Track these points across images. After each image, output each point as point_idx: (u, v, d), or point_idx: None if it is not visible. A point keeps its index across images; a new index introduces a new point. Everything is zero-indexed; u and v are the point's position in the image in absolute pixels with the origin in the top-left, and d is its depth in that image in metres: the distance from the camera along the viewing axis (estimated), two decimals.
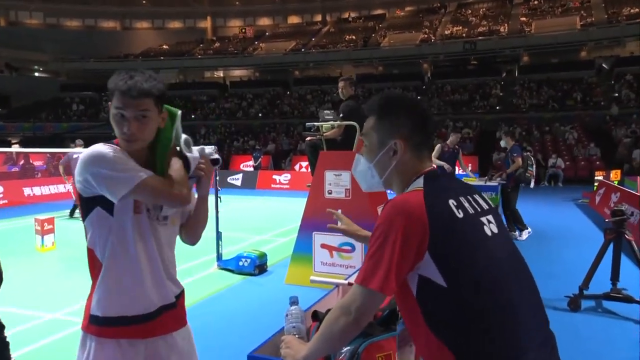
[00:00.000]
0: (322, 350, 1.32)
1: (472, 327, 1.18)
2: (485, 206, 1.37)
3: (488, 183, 7.50)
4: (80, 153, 9.63)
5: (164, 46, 41.00)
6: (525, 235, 7.67)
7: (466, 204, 1.29)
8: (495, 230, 1.31)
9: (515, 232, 7.73)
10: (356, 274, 2.54)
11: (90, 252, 1.63)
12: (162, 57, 37.75)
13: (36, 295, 5.11)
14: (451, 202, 1.26)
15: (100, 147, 1.55)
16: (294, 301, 1.62)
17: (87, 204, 1.59)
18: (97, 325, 1.61)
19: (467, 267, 1.20)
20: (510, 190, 7.58)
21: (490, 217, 1.34)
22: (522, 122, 22.81)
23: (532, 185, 7.60)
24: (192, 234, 1.83)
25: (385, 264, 1.20)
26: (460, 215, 1.25)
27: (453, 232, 1.21)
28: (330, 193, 5.11)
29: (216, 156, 1.77)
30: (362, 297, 1.22)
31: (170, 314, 1.69)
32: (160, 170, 1.62)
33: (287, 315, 1.58)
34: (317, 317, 1.74)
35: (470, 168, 16.93)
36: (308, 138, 5.61)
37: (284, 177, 17.33)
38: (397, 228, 1.20)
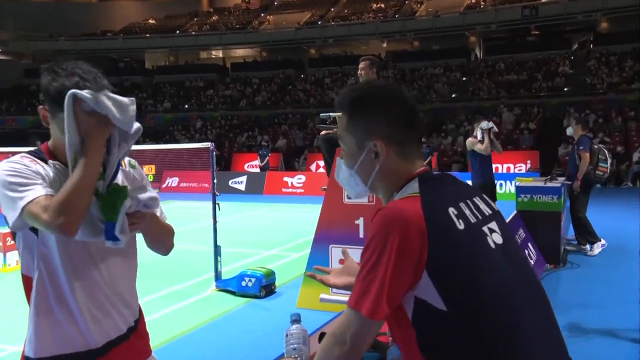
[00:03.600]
0: None
1: (472, 356, 1.25)
2: (488, 211, 1.43)
3: (548, 184, 7.50)
4: None
5: (150, 21, 41.63)
6: (597, 249, 7.64)
7: (467, 212, 1.34)
8: (500, 240, 1.37)
9: (585, 245, 7.72)
10: None
11: (25, 280, 1.74)
12: (147, 35, 38.33)
13: (4, 325, 5.34)
14: (451, 210, 1.31)
15: (8, 161, 1.66)
16: (295, 319, 1.74)
17: None
18: None
19: (469, 289, 1.25)
20: (578, 193, 7.56)
21: (493, 225, 1.39)
22: (597, 107, 22.53)
23: (607, 185, 7.57)
24: (156, 247, 1.95)
25: (378, 287, 1.24)
26: (461, 226, 1.29)
27: (454, 249, 1.26)
28: (349, 197, 5.22)
29: (147, 195, 1.68)
30: (356, 323, 1.27)
31: (121, 347, 1.80)
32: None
33: (287, 335, 1.69)
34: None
35: (529, 165, 16.87)
36: (323, 132, 5.73)
37: (297, 180, 17.54)
38: (391, 243, 1.24)
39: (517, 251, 1.44)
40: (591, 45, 30.31)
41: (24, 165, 1.65)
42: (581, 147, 7.54)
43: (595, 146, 7.70)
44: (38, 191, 1.59)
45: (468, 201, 1.39)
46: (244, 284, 5.98)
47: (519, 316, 1.29)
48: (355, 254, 4.89)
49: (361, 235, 5.11)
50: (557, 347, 1.37)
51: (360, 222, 5.15)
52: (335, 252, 5.29)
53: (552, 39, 31.57)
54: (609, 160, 7.57)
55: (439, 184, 1.41)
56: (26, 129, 30.61)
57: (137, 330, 1.89)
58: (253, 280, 5.96)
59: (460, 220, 1.30)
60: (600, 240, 7.68)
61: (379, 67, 5.42)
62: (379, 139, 1.40)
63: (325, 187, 5.52)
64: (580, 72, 26.91)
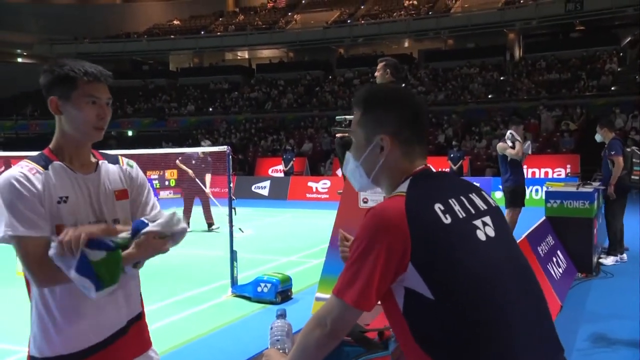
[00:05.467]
0: None
1: (462, 344, 1.37)
2: (483, 206, 1.57)
3: (581, 189, 7.48)
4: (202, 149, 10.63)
5: (175, 22, 42.45)
6: (611, 260, 7.60)
7: (457, 207, 1.49)
8: (492, 233, 1.51)
9: (623, 254, 7.71)
10: None
11: (27, 280, 1.95)
12: (172, 36, 39.11)
13: (17, 327, 5.62)
14: (437, 206, 1.45)
15: (11, 174, 1.85)
16: (280, 314, 1.94)
17: None
18: None
19: (455, 278, 1.39)
20: (614, 199, 7.52)
21: (487, 219, 1.53)
22: None
23: None
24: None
25: (364, 278, 1.41)
26: (448, 220, 1.44)
27: (438, 241, 1.41)
28: (365, 202, 5.36)
29: (179, 228, 1.92)
30: (338, 309, 1.45)
31: (121, 340, 2.00)
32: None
33: (271, 328, 1.88)
34: None
35: (569, 169, 16.71)
36: (339, 135, 5.88)
37: (322, 185, 17.73)
38: (377, 240, 1.41)
39: (511, 244, 1.57)
40: None
41: (27, 183, 1.84)
42: (613, 152, 7.50)
43: (628, 149, 7.66)
44: (36, 231, 1.81)
45: (462, 197, 1.54)
46: (259, 289, 6.16)
47: (508, 307, 1.41)
48: None
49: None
50: (547, 339, 1.49)
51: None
52: None
53: (599, 34, 31.07)
54: None
55: (428, 182, 1.56)
56: (50, 133, 31.47)
57: (137, 323, 2.08)
58: (269, 286, 6.13)
59: (447, 215, 1.45)
60: (621, 253, 7.66)
61: (394, 67, 5.53)
62: (386, 134, 1.58)
63: (341, 190, 5.67)
64: (629, 69, 26.44)
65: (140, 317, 2.11)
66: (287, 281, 6.28)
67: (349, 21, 35.71)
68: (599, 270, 7.23)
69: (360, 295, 1.41)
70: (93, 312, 1.92)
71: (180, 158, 11.52)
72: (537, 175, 17.15)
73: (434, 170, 1.65)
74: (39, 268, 1.80)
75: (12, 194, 1.82)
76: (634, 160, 7.43)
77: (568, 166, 17.21)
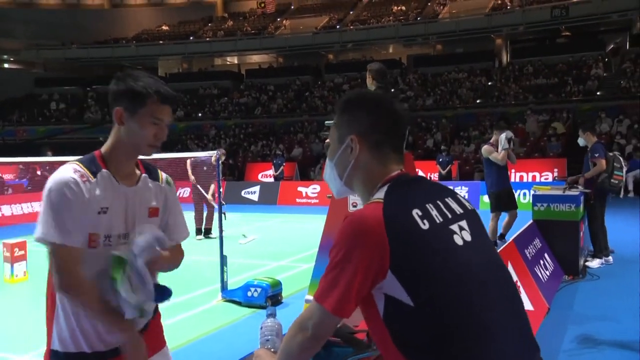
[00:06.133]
0: None
1: (441, 350, 1.39)
2: (459, 210, 1.59)
3: (567, 192, 7.58)
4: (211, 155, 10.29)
5: (164, 27, 42.40)
6: (597, 263, 7.69)
7: (434, 212, 1.51)
8: (468, 237, 1.53)
9: (608, 256, 7.81)
10: None
11: (49, 278, 2.00)
12: (161, 41, 39.13)
13: (4, 334, 5.63)
14: (415, 212, 1.47)
15: (63, 178, 1.92)
16: (271, 313, 1.96)
17: None
18: None
19: (433, 283, 1.41)
20: (594, 202, 7.65)
21: (463, 223, 1.56)
22: (632, 112, 22.36)
23: (622, 194, 7.64)
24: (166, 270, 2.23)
25: (343, 285, 1.43)
26: (426, 226, 1.46)
27: (417, 248, 1.43)
28: (355, 206, 5.40)
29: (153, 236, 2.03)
30: (318, 314, 1.47)
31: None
32: None
33: (261, 327, 1.91)
34: None
35: (556, 173, 16.86)
36: (327, 139, 5.92)
37: (311, 190, 17.76)
38: (355, 247, 1.43)
39: (488, 248, 1.60)
40: (627, 46, 30.13)
41: (77, 191, 1.90)
42: (596, 155, 7.61)
43: (610, 154, 7.79)
44: (71, 241, 1.89)
45: (438, 201, 1.55)
46: (249, 294, 6.18)
47: (485, 311, 1.44)
48: None
49: None
50: (524, 340, 1.52)
51: None
52: None
53: (584, 40, 31.46)
54: (625, 169, 7.64)
55: (405, 188, 1.57)
56: (37, 139, 31.34)
57: (154, 321, 2.18)
58: (259, 290, 6.15)
59: (425, 221, 1.46)
60: (605, 255, 7.76)
61: (377, 73, 5.60)
62: (355, 134, 1.62)
63: (331, 195, 5.71)
64: (615, 75, 26.76)
65: (156, 316, 2.22)
66: (277, 285, 6.29)
67: (338, 27, 35.88)
68: (586, 273, 7.31)
69: (338, 302, 1.43)
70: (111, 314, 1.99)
71: (190, 160, 11.35)
72: (524, 179, 17.31)
73: (409, 175, 1.66)
74: (66, 276, 1.89)
75: (60, 199, 1.88)
76: (615, 164, 7.53)
77: (555, 170, 17.38)
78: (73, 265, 1.88)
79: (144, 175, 2.11)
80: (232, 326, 5.67)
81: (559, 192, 7.60)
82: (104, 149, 2.05)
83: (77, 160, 1.99)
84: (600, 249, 7.77)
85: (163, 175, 2.20)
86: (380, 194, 1.54)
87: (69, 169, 1.94)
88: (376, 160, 1.63)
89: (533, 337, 1.56)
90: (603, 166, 7.51)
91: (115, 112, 1.97)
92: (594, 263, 7.68)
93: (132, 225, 2.03)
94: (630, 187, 16.04)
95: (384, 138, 1.64)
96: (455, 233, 1.51)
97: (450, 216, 1.55)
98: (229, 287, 6.55)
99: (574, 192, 7.57)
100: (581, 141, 8.06)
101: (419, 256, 1.43)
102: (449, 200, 1.60)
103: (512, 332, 1.49)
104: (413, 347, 1.42)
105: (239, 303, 6.27)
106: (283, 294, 6.40)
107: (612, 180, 7.48)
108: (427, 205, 1.52)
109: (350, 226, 1.47)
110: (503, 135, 8.14)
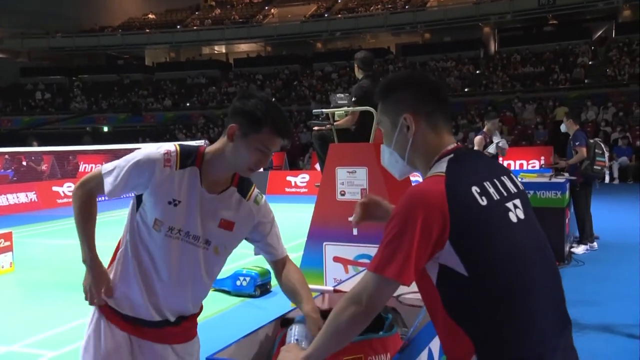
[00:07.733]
0: (326, 346, 1.60)
1: (491, 316, 1.50)
2: (513, 189, 1.68)
3: (553, 180, 7.65)
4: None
5: (150, 16, 42.04)
6: (582, 249, 7.82)
7: (491, 190, 1.59)
8: (522, 215, 1.62)
9: (593, 242, 7.91)
10: (348, 281, 2.87)
11: (118, 244, 2.16)
12: (147, 30, 38.74)
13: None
14: (474, 189, 1.54)
15: (155, 153, 2.03)
16: (299, 320, 1.98)
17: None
18: (110, 310, 2.13)
19: (489, 257, 1.50)
20: (579, 189, 7.74)
21: (517, 202, 1.64)
22: (618, 99, 22.57)
23: (607, 180, 7.73)
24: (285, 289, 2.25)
25: (404, 253, 1.48)
26: (484, 202, 1.53)
27: (476, 222, 1.51)
28: (343, 194, 5.41)
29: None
30: (376, 285, 1.52)
31: (177, 327, 2.18)
32: None
33: (291, 328, 1.94)
34: (286, 323, 2.08)
35: (543, 161, 16.99)
36: (316, 128, 5.92)
37: (300, 179, 17.77)
38: (416, 219, 1.48)
39: (537, 226, 1.68)
40: (613, 34, 30.27)
41: (151, 167, 2.00)
42: (577, 143, 7.74)
43: (592, 140, 7.89)
44: (110, 179, 2.05)
45: (495, 180, 1.63)
46: (238, 283, 6.20)
47: (530, 283, 1.54)
48: (348, 251, 5.08)
49: (355, 232, 5.28)
50: (562, 313, 1.63)
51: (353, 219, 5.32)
52: (329, 250, 5.48)
53: (571, 28, 31.55)
54: (607, 154, 7.73)
55: (464, 164, 1.63)
56: (22, 130, 31.07)
57: (190, 319, 2.25)
58: (248, 279, 6.18)
59: (483, 197, 1.54)
60: (591, 242, 7.88)
61: (361, 61, 5.59)
62: (408, 112, 1.68)
63: (319, 183, 5.71)
64: (601, 63, 26.91)
65: (194, 315, 2.28)
66: (265, 274, 6.30)
67: (326, 15, 35.78)
68: (571, 259, 7.42)
69: (401, 268, 1.48)
70: (163, 295, 2.10)
71: None
72: (512, 167, 17.40)
73: (466, 149, 1.74)
74: (86, 184, 2.11)
75: (137, 160, 2.02)
76: (596, 151, 7.62)
77: (542, 158, 17.50)
78: (96, 188, 2.09)
79: (232, 187, 2.12)
80: (221, 315, 5.68)
81: (545, 180, 7.67)
82: (209, 149, 2.08)
83: (179, 145, 2.07)
84: (586, 235, 7.87)
85: (254, 193, 2.19)
86: (440, 168, 1.61)
87: (163, 148, 2.04)
88: (432, 131, 1.69)
89: (567, 311, 1.66)
90: (584, 154, 7.64)
91: (229, 127, 1.99)
92: (579, 249, 7.78)
93: (202, 230, 2.08)
94: (616, 174, 16.22)
95: (434, 107, 1.71)
96: (510, 210, 1.59)
97: (505, 194, 1.62)
98: (218, 276, 6.54)
99: (559, 180, 7.65)
100: (563, 127, 8.22)
101: (478, 230, 1.51)
102: (505, 179, 1.68)
103: (553, 305, 1.60)
104: (462, 312, 1.52)
105: (228, 292, 6.28)
106: (272, 283, 6.41)
107: (594, 167, 7.58)
108: (485, 183, 1.59)
109: (413, 197, 1.53)
110: (499, 143, 8.13)
